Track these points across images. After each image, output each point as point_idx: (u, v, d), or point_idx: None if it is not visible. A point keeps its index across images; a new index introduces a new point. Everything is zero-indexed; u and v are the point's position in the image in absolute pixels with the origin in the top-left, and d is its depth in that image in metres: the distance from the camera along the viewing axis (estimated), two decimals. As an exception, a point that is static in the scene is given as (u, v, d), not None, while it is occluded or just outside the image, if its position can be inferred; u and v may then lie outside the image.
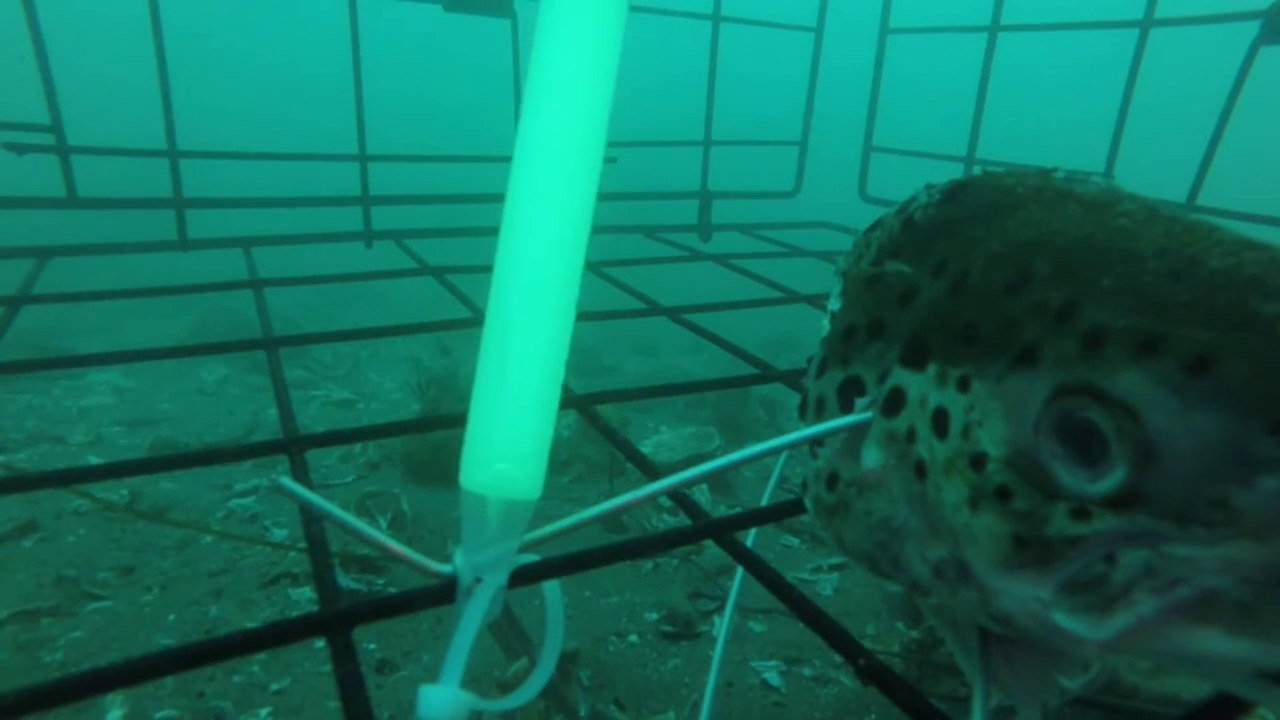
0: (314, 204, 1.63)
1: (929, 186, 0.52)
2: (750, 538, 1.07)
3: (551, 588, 0.51)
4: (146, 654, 0.44)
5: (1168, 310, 0.32)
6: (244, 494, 2.37)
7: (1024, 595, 0.36)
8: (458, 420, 0.86)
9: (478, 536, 0.46)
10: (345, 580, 1.88)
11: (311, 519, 0.60)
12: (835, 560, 2.19)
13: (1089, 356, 0.33)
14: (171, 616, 1.79)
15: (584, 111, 0.45)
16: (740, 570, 0.83)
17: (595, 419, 0.85)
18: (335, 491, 2.43)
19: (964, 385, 0.39)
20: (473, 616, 0.45)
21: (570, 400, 0.90)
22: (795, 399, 0.57)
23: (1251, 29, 1.34)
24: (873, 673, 0.49)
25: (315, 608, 0.52)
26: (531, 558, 0.50)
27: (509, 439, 0.45)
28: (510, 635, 1.37)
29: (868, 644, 0.49)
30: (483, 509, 0.45)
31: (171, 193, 1.49)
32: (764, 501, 0.85)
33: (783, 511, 0.67)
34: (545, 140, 0.45)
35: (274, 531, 2.18)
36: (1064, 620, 0.34)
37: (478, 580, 0.47)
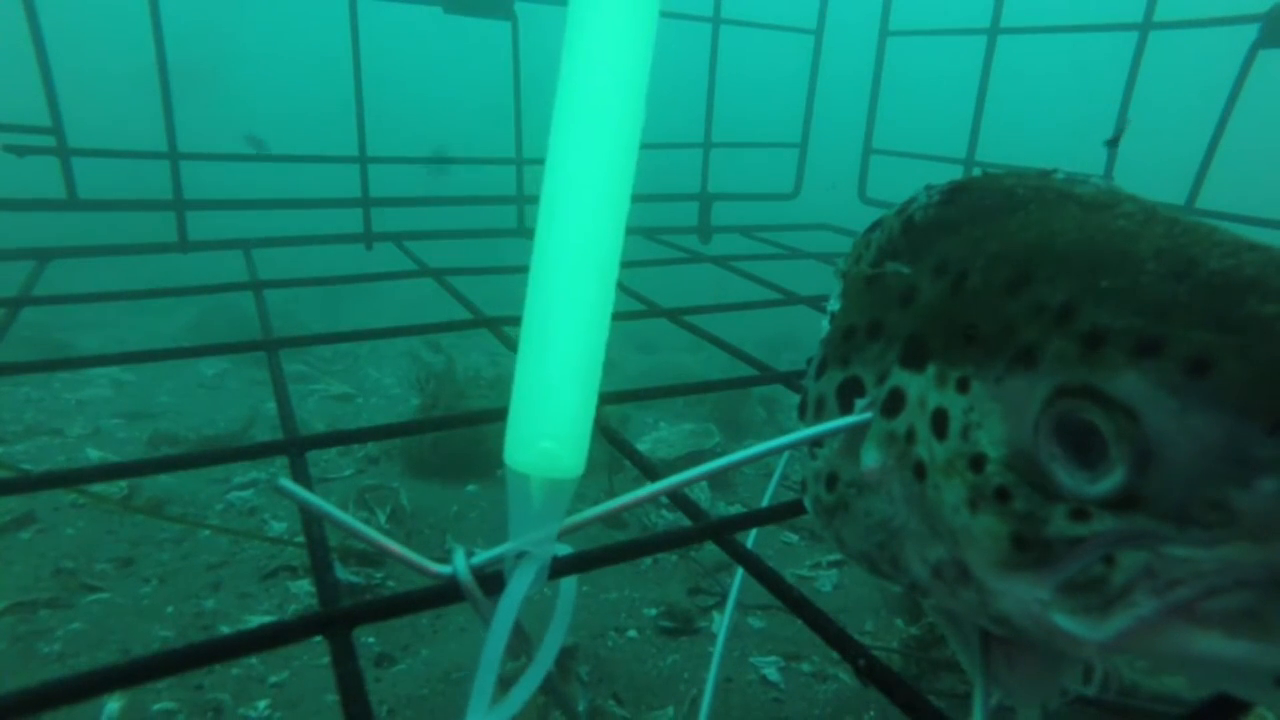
0: (314, 205, 1.63)
1: (929, 187, 0.52)
2: (751, 537, 1.07)
3: (569, 581, 0.52)
4: (147, 654, 0.45)
5: (1167, 311, 0.32)
6: (243, 487, 2.36)
7: (1023, 596, 0.36)
8: (455, 420, 0.87)
9: (522, 515, 0.47)
10: (344, 574, 1.88)
11: (311, 519, 0.61)
12: (834, 557, 2.19)
13: (1088, 357, 0.33)
14: (170, 609, 1.79)
15: (623, 87, 0.45)
16: (740, 570, 0.83)
17: (596, 420, 0.85)
18: (334, 486, 2.43)
19: (963, 386, 0.39)
20: (515, 592, 0.46)
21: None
22: (795, 398, 0.57)
23: (1250, 32, 1.34)
24: (873, 673, 0.49)
25: (314, 601, 0.52)
26: (566, 548, 0.51)
27: (551, 418, 0.46)
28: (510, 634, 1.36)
29: (867, 640, 0.50)
30: (526, 488, 0.46)
31: (172, 194, 1.49)
32: (765, 502, 0.85)
33: (784, 512, 0.67)
34: (585, 120, 0.45)
35: (272, 525, 2.18)
36: (1063, 621, 0.35)
37: (523, 555, 0.47)
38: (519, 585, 0.46)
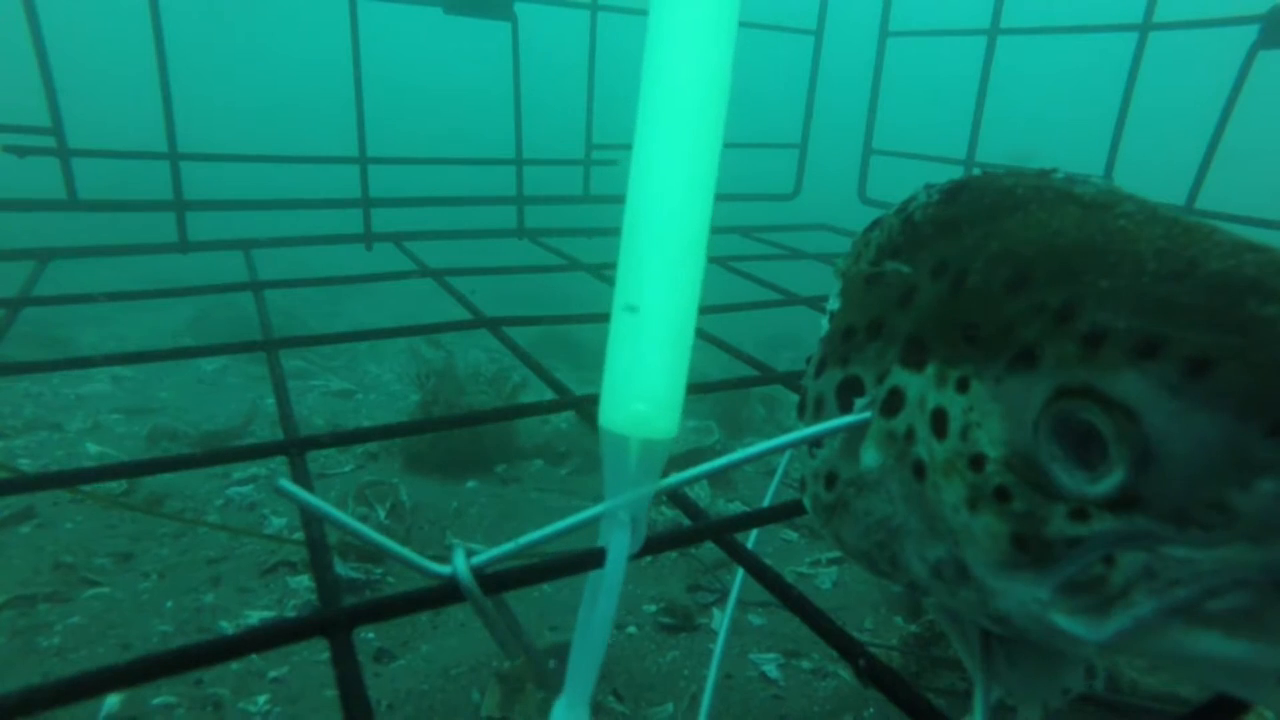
0: (314, 206, 1.63)
1: (928, 186, 0.52)
2: (751, 535, 1.07)
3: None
4: (146, 654, 0.45)
5: (1167, 312, 0.32)
6: (242, 482, 2.36)
7: (1023, 596, 0.36)
8: (455, 421, 0.87)
9: (618, 476, 0.47)
10: (343, 569, 1.88)
11: (311, 520, 0.61)
12: (834, 554, 2.19)
13: (1088, 358, 0.33)
14: (169, 603, 1.79)
15: (712, 64, 0.47)
16: (740, 570, 0.83)
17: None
18: (333, 482, 2.43)
19: (963, 386, 0.39)
20: (617, 558, 0.46)
21: (570, 401, 0.92)
22: (794, 397, 0.57)
23: (1250, 33, 1.34)
24: (872, 672, 0.49)
25: (313, 595, 0.52)
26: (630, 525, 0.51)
27: (645, 380, 0.46)
28: (505, 631, 1.36)
29: (866, 638, 0.50)
30: (623, 449, 0.46)
31: (172, 195, 1.49)
32: (766, 501, 0.85)
33: (783, 512, 0.67)
34: (674, 98, 0.46)
35: (272, 520, 2.18)
36: (1062, 621, 0.35)
37: (611, 519, 0.47)
38: (619, 550, 0.46)
